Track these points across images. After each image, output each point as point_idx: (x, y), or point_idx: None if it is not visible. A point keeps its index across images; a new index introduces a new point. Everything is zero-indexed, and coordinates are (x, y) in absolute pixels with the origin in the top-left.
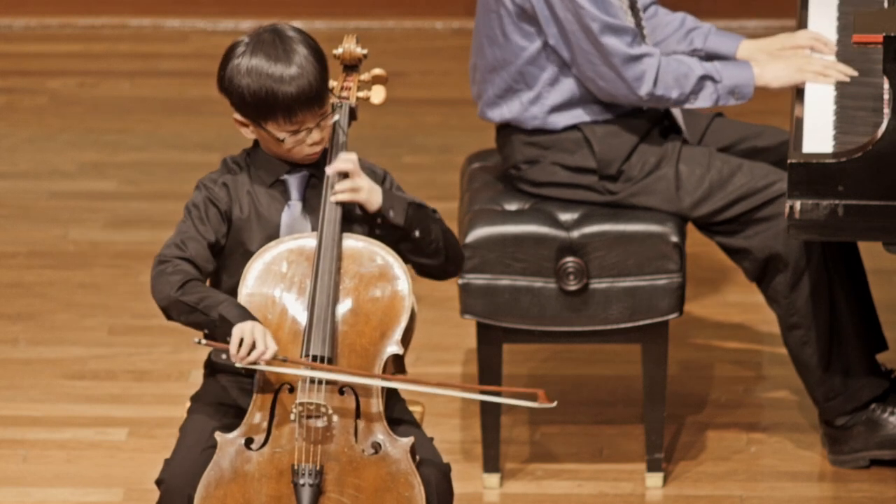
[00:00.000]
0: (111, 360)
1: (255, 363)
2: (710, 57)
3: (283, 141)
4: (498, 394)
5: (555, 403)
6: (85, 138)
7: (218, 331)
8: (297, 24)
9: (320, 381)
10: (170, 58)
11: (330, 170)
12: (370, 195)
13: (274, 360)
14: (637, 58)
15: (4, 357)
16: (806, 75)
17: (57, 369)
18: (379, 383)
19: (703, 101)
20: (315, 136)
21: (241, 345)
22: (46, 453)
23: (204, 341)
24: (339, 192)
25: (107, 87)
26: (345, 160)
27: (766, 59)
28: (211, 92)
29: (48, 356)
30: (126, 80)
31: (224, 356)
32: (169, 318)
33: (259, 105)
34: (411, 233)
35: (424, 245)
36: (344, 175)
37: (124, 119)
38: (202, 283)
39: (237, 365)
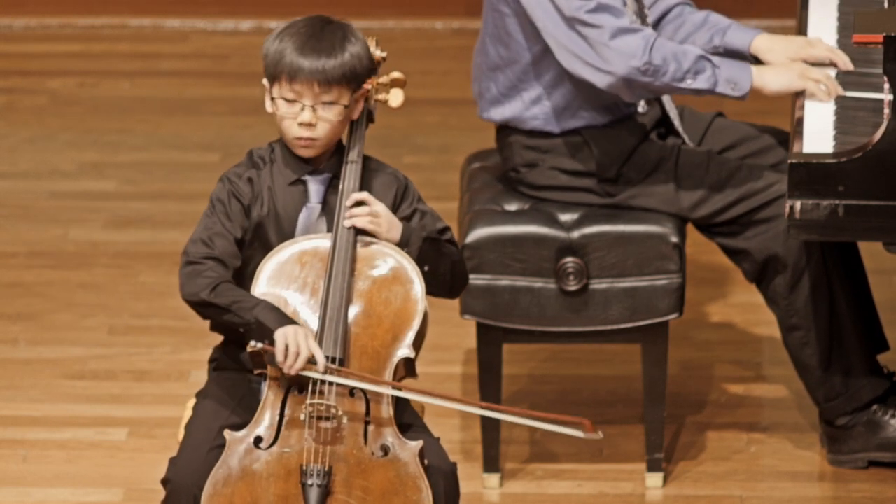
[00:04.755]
0: (111, 360)
1: (302, 371)
2: (728, 53)
3: (276, 101)
4: (542, 420)
5: (601, 435)
6: (85, 138)
7: (254, 334)
8: None
9: (331, 383)
10: (170, 58)
11: (349, 201)
12: (389, 231)
13: (325, 372)
14: (631, 30)
15: (4, 357)
16: (807, 83)
17: (57, 369)
18: (424, 399)
19: (701, 82)
20: (306, 115)
21: (286, 352)
22: (46, 453)
23: (260, 345)
24: (356, 216)
25: (107, 87)
26: (358, 204)
27: (767, 67)
28: (211, 92)
29: (48, 356)
30: (126, 80)
31: (275, 363)
32: (203, 316)
33: (271, 64)
34: (420, 268)
35: (430, 279)
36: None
37: (124, 119)
38: (233, 284)
39: (287, 373)
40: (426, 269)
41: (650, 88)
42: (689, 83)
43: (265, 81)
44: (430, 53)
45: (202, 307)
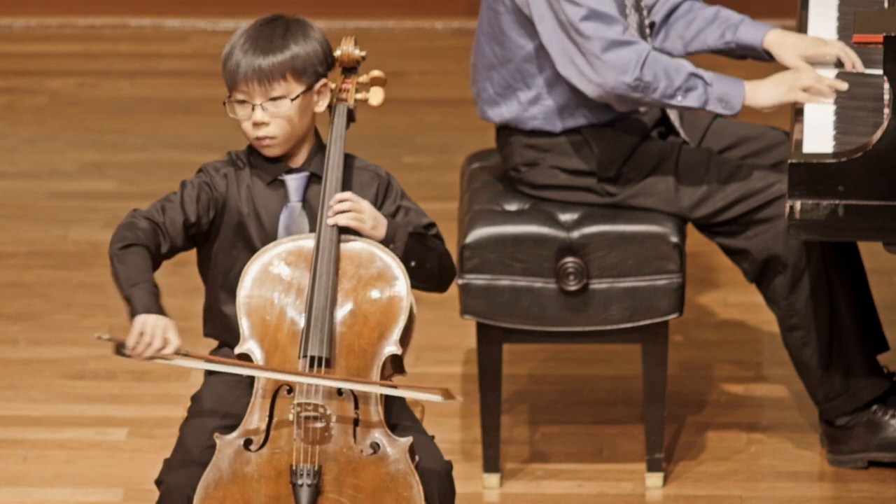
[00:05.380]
0: (111, 360)
1: (151, 358)
2: (741, 48)
3: (227, 105)
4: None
5: (460, 399)
6: (85, 138)
7: (128, 310)
8: None
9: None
10: (170, 58)
11: (332, 201)
12: (375, 229)
13: (174, 354)
14: (623, 43)
15: (4, 357)
16: (798, 94)
17: (57, 369)
18: (254, 373)
19: (692, 100)
20: (258, 114)
21: (139, 339)
22: (46, 453)
23: (105, 336)
24: (339, 214)
25: (107, 87)
26: (341, 202)
27: (759, 81)
28: (211, 92)
29: (48, 356)
30: (126, 80)
31: (123, 350)
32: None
33: (223, 72)
34: (407, 263)
35: (417, 274)
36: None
37: (124, 119)
38: (148, 253)
39: (137, 359)
40: (413, 264)
41: (640, 103)
42: (679, 100)
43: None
44: (430, 53)
45: (110, 259)
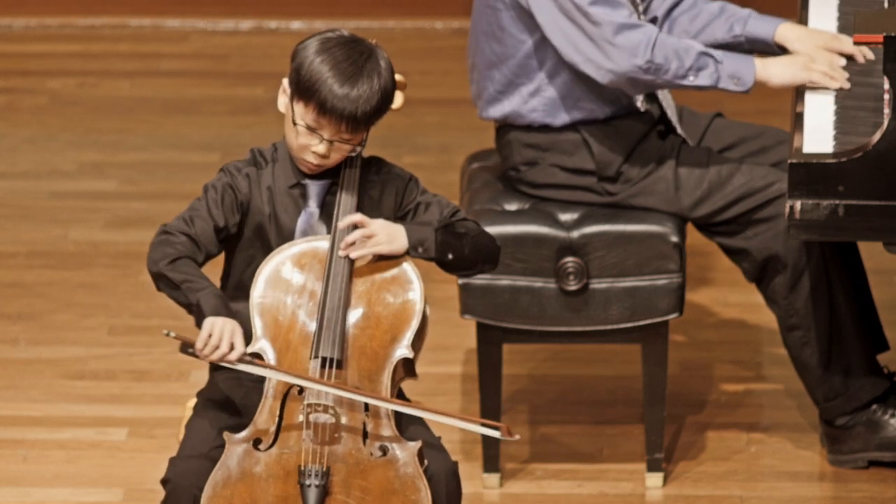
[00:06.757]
0: (111, 360)
1: (216, 361)
2: (750, 42)
3: (297, 125)
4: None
5: (517, 437)
6: (85, 138)
7: (195, 317)
8: (297, 24)
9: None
10: (170, 58)
11: (341, 224)
12: (392, 244)
13: (239, 361)
14: (632, 26)
15: (4, 357)
16: (812, 74)
17: (57, 369)
18: (340, 393)
19: (704, 79)
20: (322, 148)
21: (207, 340)
22: (46, 453)
23: (172, 334)
24: (351, 246)
25: (107, 87)
26: (349, 219)
27: (771, 59)
28: (211, 92)
29: (48, 356)
30: (126, 80)
31: (190, 350)
32: (157, 288)
33: (304, 84)
34: (444, 258)
35: (459, 263)
36: (354, 227)
37: (124, 119)
38: (195, 263)
39: (202, 360)
40: (451, 257)
41: (652, 85)
42: (691, 80)
43: (286, 84)
44: (430, 53)
45: (158, 279)
